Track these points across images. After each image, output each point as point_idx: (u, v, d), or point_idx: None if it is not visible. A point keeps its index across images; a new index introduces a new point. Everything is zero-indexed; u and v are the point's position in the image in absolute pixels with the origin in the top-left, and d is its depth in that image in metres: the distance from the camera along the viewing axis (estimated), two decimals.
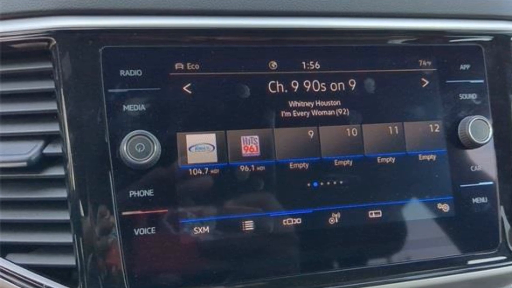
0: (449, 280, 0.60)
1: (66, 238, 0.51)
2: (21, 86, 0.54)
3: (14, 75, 0.54)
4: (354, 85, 0.59)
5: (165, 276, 0.52)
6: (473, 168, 0.62)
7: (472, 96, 0.63)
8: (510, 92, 0.65)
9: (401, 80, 0.61)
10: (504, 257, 0.62)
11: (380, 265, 0.58)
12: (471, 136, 0.60)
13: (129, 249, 0.51)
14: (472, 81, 0.63)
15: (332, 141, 0.58)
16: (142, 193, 0.52)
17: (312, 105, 0.58)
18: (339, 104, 0.58)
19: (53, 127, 0.53)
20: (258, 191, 0.55)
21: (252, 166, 0.55)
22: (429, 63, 0.62)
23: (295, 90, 0.58)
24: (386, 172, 0.58)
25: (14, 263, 0.52)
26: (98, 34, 0.53)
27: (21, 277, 0.51)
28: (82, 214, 0.51)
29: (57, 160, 0.53)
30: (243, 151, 0.55)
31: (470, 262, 0.61)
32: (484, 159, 0.62)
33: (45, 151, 0.53)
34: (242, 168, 0.55)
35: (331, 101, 0.58)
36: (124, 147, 0.50)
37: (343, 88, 0.59)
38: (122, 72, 0.53)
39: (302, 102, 0.57)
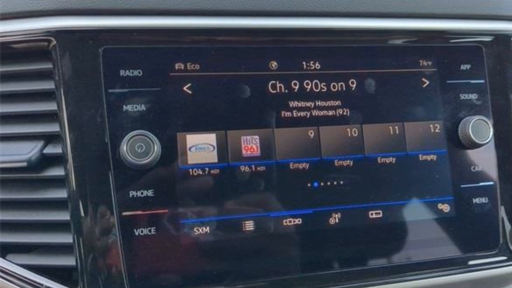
0: (450, 281, 0.60)
1: (66, 238, 0.51)
2: (21, 86, 0.54)
3: (14, 75, 0.54)
4: (354, 85, 0.59)
5: (165, 276, 0.52)
6: (474, 168, 0.61)
7: (473, 96, 0.63)
8: (511, 92, 0.64)
9: (402, 80, 0.60)
10: (504, 257, 0.62)
11: (381, 265, 0.58)
12: (472, 136, 0.60)
13: (129, 250, 0.51)
14: (472, 81, 0.63)
15: (332, 141, 0.58)
16: (142, 193, 0.52)
17: (313, 105, 0.58)
18: (340, 104, 0.58)
19: (53, 127, 0.53)
20: (258, 191, 0.55)
21: (253, 166, 0.55)
22: (430, 63, 0.62)
23: (296, 90, 0.57)
24: (387, 172, 0.58)
25: (14, 263, 0.52)
26: (98, 34, 0.53)
27: (21, 277, 0.51)
28: (82, 214, 0.51)
29: (57, 160, 0.53)
30: (244, 151, 0.55)
31: (471, 262, 0.61)
32: (484, 159, 0.62)
33: (45, 151, 0.53)
34: (242, 168, 0.55)
35: (332, 101, 0.58)
36: (124, 147, 0.50)
37: (344, 88, 0.59)
38: (122, 72, 0.53)
39: (302, 102, 0.57)
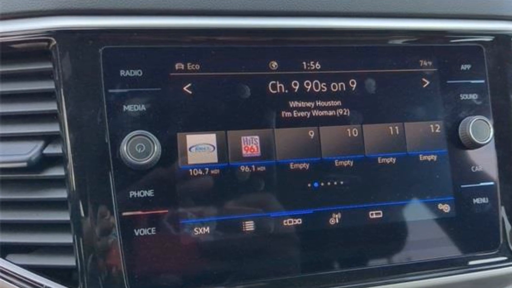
0: (450, 281, 0.60)
1: (66, 238, 0.51)
2: (21, 86, 0.54)
3: (14, 75, 0.54)
4: (354, 85, 0.59)
5: (165, 276, 0.52)
6: (474, 169, 0.61)
7: (473, 96, 0.63)
8: (511, 92, 0.64)
9: (402, 80, 0.60)
10: (505, 258, 0.62)
11: (381, 266, 0.58)
12: (472, 136, 0.60)
13: (130, 250, 0.51)
14: (473, 81, 0.63)
15: (332, 141, 0.57)
16: (142, 193, 0.52)
17: (313, 105, 0.58)
18: (340, 104, 0.58)
19: (53, 127, 0.53)
20: (258, 191, 0.55)
21: (253, 166, 0.55)
22: (430, 63, 0.62)
23: (296, 90, 0.57)
24: (387, 172, 0.58)
25: (14, 263, 0.52)
26: (98, 34, 0.53)
27: (21, 278, 0.51)
28: (82, 214, 0.51)
29: (57, 160, 0.53)
30: (244, 152, 0.55)
31: (471, 262, 0.61)
32: (485, 159, 0.62)
33: (45, 151, 0.53)
34: (242, 168, 0.55)
35: (332, 101, 0.58)
36: (124, 148, 0.50)
37: (344, 88, 0.59)
38: (122, 72, 0.53)
39: (302, 102, 0.57)
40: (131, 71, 0.53)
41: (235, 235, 0.54)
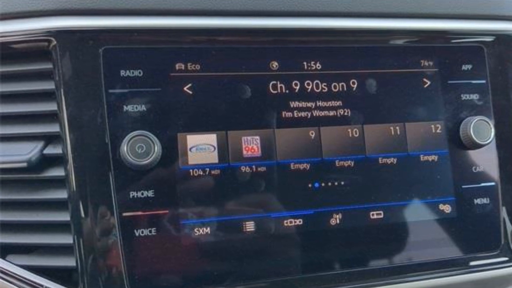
0: (451, 281, 0.60)
1: (66, 239, 0.51)
2: (21, 86, 0.54)
3: (14, 75, 0.54)
4: (355, 86, 0.59)
5: (165, 277, 0.52)
6: (475, 169, 0.61)
7: (474, 97, 0.62)
8: None
9: (403, 81, 0.60)
10: (506, 258, 0.62)
11: (382, 266, 0.57)
12: (473, 136, 0.59)
13: (130, 250, 0.51)
14: (474, 82, 0.63)
15: (333, 141, 0.57)
16: (142, 194, 0.52)
17: (314, 105, 0.57)
18: (341, 104, 0.58)
19: (53, 128, 0.53)
20: (259, 192, 0.55)
21: (253, 166, 0.55)
22: (431, 63, 0.62)
23: (296, 91, 0.57)
24: (388, 172, 0.58)
25: (14, 264, 0.52)
26: (98, 34, 0.53)
27: (21, 278, 0.51)
28: (83, 215, 0.51)
29: (57, 160, 0.53)
30: (244, 152, 0.55)
31: (472, 263, 0.60)
32: (486, 159, 0.62)
33: (45, 151, 0.52)
34: (243, 168, 0.55)
35: (333, 102, 0.58)
36: (124, 148, 0.50)
37: (345, 89, 0.59)
38: (122, 72, 0.53)
39: (303, 103, 0.57)
40: (131, 71, 0.53)
41: (235, 236, 0.54)
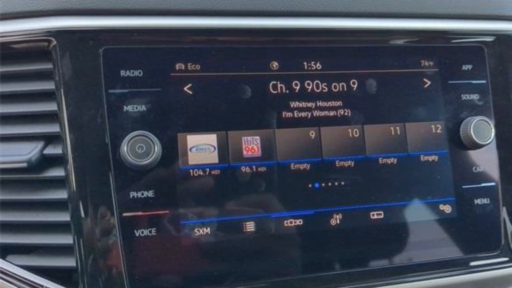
0: (451, 282, 0.59)
1: (66, 239, 0.51)
2: (21, 86, 0.54)
3: (14, 75, 0.54)
4: (355, 86, 0.59)
5: (166, 277, 0.52)
6: (475, 169, 0.61)
7: (474, 97, 0.62)
8: None
9: (403, 81, 0.60)
10: (506, 259, 0.62)
11: (382, 267, 0.57)
12: (473, 137, 0.59)
13: (130, 251, 0.51)
14: (474, 82, 0.63)
15: (333, 141, 0.57)
16: (142, 194, 0.52)
17: (314, 105, 0.57)
18: (341, 104, 0.58)
19: (53, 128, 0.53)
20: (259, 192, 0.55)
21: (253, 167, 0.55)
22: (431, 63, 0.62)
23: (297, 91, 0.57)
24: (388, 173, 0.58)
25: (14, 264, 0.52)
26: (98, 34, 0.53)
27: (21, 279, 0.51)
28: (83, 215, 0.51)
29: (57, 161, 0.53)
30: (244, 152, 0.55)
31: (472, 263, 0.60)
32: (486, 160, 0.62)
33: (45, 151, 0.52)
34: (243, 169, 0.55)
35: (333, 102, 0.58)
36: (124, 148, 0.50)
37: (345, 89, 0.59)
38: (122, 73, 0.53)
39: (303, 103, 0.57)
40: (131, 71, 0.53)
41: (235, 236, 0.54)
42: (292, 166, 0.56)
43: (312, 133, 0.57)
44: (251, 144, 0.55)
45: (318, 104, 0.58)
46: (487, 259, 0.61)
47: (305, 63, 0.58)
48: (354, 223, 0.57)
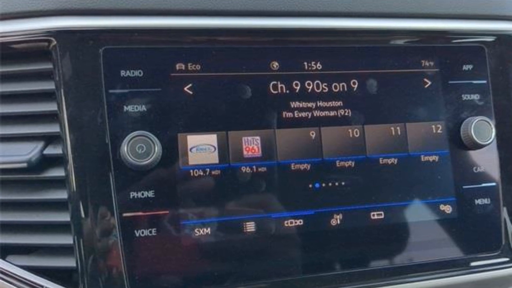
0: (452, 282, 0.59)
1: (66, 239, 0.51)
2: (21, 86, 0.54)
3: (14, 75, 0.54)
4: (356, 86, 0.59)
5: (166, 277, 0.52)
6: (476, 169, 0.61)
7: (475, 97, 0.62)
8: None
9: (404, 81, 0.60)
10: (507, 259, 0.62)
11: (383, 267, 0.57)
12: (474, 137, 0.59)
13: (130, 251, 0.51)
14: (474, 82, 0.63)
15: (334, 142, 0.57)
16: (143, 194, 0.52)
17: (314, 105, 0.57)
18: (341, 104, 0.58)
19: (54, 128, 0.52)
20: (259, 192, 0.55)
21: (254, 167, 0.55)
22: (432, 63, 0.61)
23: (297, 91, 0.57)
24: (388, 173, 0.58)
25: (14, 264, 0.52)
26: (98, 34, 0.53)
27: (21, 279, 0.51)
28: (83, 215, 0.51)
29: (58, 161, 0.53)
30: (245, 152, 0.55)
31: (473, 263, 0.60)
32: (486, 160, 0.62)
33: (45, 152, 0.52)
34: (243, 169, 0.55)
35: (333, 102, 0.58)
36: (124, 148, 0.50)
37: (345, 89, 0.59)
38: (122, 73, 0.53)
39: (303, 103, 0.57)
40: (131, 71, 0.53)
41: (236, 236, 0.54)
42: (292, 166, 0.56)
43: (313, 133, 0.57)
44: (251, 144, 0.55)
45: (318, 104, 0.58)
46: (487, 259, 0.61)
47: (305, 63, 0.58)
48: (354, 223, 0.57)
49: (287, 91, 0.57)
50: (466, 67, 0.63)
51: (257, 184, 0.55)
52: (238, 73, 0.56)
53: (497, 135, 0.61)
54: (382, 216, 0.58)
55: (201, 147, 0.54)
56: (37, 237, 0.52)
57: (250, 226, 0.54)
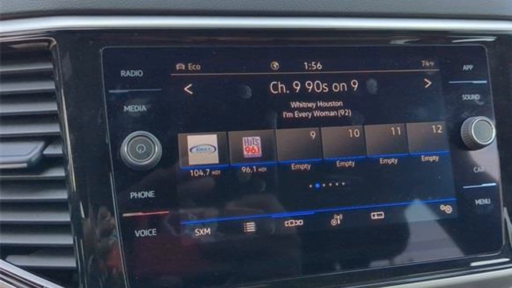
0: (452, 282, 0.59)
1: (66, 239, 0.51)
2: (21, 86, 0.53)
3: (14, 75, 0.54)
4: (356, 86, 0.59)
5: (166, 278, 0.52)
6: (476, 169, 0.61)
7: (475, 97, 0.62)
8: None
9: (404, 81, 0.60)
10: (507, 259, 0.62)
11: (383, 267, 0.57)
12: (474, 137, 0.59)
13: (130, 251, 0.51)
14: (475, 82, 0.63)
15: (334, 142, 0.57)
16: (143, 194, 0.52)
17: (314, 105, 0.57)
18: (341, 104, 0.58)
19: (54, 128, 0.52)
20: (259, 192, 0.55)
21: (254, 167, 0.55)
22: (432, 63, 0.61)
23: (297, 91, 0.57)
24: (389, 173, 0.58)
25: (14, 265, 0.52)
26: (98, 34, 0.53)
27: (21, 279, 0.51)
28: (83, 215, 0.51)
29: (58, 161, 0.53)
30: (245, 152, 0.55)
31: (473, 264, 0.60)
32: (487, 160, 0.62)
33: (45, 152, 0.52)
34: (243, 169, 0.54)
35: (333, 102, 0.58)
36: (125, 148, 0.50)
37: (345, 89, 0.58)
38: (123, 73, 0.53)
39: (304, 103, 0.57)
40: (131, 71, 0.53)
41: (236, 236, 0.54)
42: (292, 166, 0.56)
43: (313, 133, 0.57)
44: (251, 145, 0.55)
45: (318, 104, 0.57)
46: (488, 259, 0.61)
47: (305, 63, 0.58)
48: (354, 223, 0.57)
49: (287, 91, 0.57)
50: (467, 67, 0.62)
51: (257, 184, 0.55)
52: (238, 73, 0.56)
53: (497, 135, 0.61)
54: (383, 216, 0.58)
55: (201, 147, 0.54)
56: (37, 237, 0.52)
57: (250, 226, 0.54)
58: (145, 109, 0.53)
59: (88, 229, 0.51)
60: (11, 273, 0.51)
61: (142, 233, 0.51)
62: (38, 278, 0.51)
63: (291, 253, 0.55)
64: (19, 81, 0.54)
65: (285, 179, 0.55)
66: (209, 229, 0.53)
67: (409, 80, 0.60)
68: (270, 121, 0.56)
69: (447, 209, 0.60)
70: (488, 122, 0.60)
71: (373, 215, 0.57)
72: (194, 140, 0.54)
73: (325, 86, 0.58)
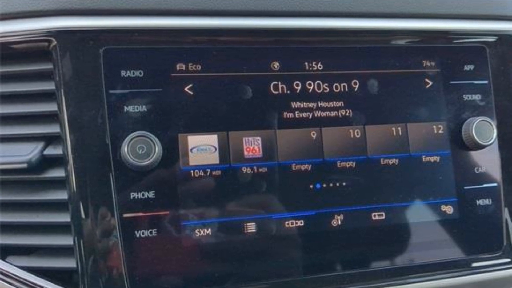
0: (453, 283, 0.59)
1: (66, 240, 0.51)
2: (22, 87, 0.53)
3: (15, 75, 0.54)
4: (357, 86, 0.59)
5: (166, 278, 0.52)
6: (477, 170, 0.61)
7: (476, 97, 0.62)
8: None
9: (405, 81, 0.60)
10: (508, 260, 0.61)
11: (384, 268, 0.57)
12: (475, 137, 0.59)
13: (130, 252, 0.51)
14: (476, 82, 0.63)
15: (335, 142, 0.57)
16: (143, 195, 0.52)
17: (315, 106, 0.57)
18: (342, 105, 0.58)
19: (54, 128, 0.52)
20: (260, 192, 0.55)
21: (254, 167, 0.55)
22: (433, 63, 0.61)
23: (298, 91, 0.57)
24: (390, 173, 0.58)
25: (15, 265, 0.52)
26: (99, 35, 0.53)
27: (21, 280, 0.51)
28: (83, 216, 0.51)
29: (58, 161, 0.52)
30: (245, 153, 0.55)
31: (474, 264, 0.60)
32: (488, 160, 0.62)
33: (45, 152, 0.52)
34: (244, 169, 0.54)
35: (334, 102, 0.58)
36: (125, 149, 0.50)
37: (346, 89, 0.58)
38: (123, 73, 0.53)
39: (304, 103, 0.57)
40: (132, 71, 0.53)
41: (236, 237, 0.53)
42: (293, 166, 0.56)
43: (314, 134, 0.57)
44: (252, 145, 0.55)
45: (319, 104, 0.57)
46: (489, 260, 0.61)
47: (306, 63, 0.58)
48: (355, 224, 0.57)
49: (288, 92, 0.57)
50: (468, 67, 0.62)
51: (258, 184, 0.55)
52: (239, 73, 0.56)
53: (498, 135, 0.61)
54: (383, 217, 0.57)
55: (202, 148, 0.54)
56: (37, 237, 0.52)
57: (251, 227, 0.54)
58: (145, 109, 0.53)
59: (88, 229, 0.50)
60: (11, 273, 0.51)
61: (143, 233, 0.51)
62: (38, 278, 0.51)
63: (292, 253, 0.55)
64: (19, 81, 0.54)
65: (286, 180, 0.55)
66: (209, 230, 0.53)
67: (410, 80, 0.60)
68: (271, 121, 0.56)
69: (448, 209, 0.60)
70: (489, 123, 0.60)
71: (374, 216, 0.57)
72: (194, 141, 0.53)
73: (326, 86, 0.58)
